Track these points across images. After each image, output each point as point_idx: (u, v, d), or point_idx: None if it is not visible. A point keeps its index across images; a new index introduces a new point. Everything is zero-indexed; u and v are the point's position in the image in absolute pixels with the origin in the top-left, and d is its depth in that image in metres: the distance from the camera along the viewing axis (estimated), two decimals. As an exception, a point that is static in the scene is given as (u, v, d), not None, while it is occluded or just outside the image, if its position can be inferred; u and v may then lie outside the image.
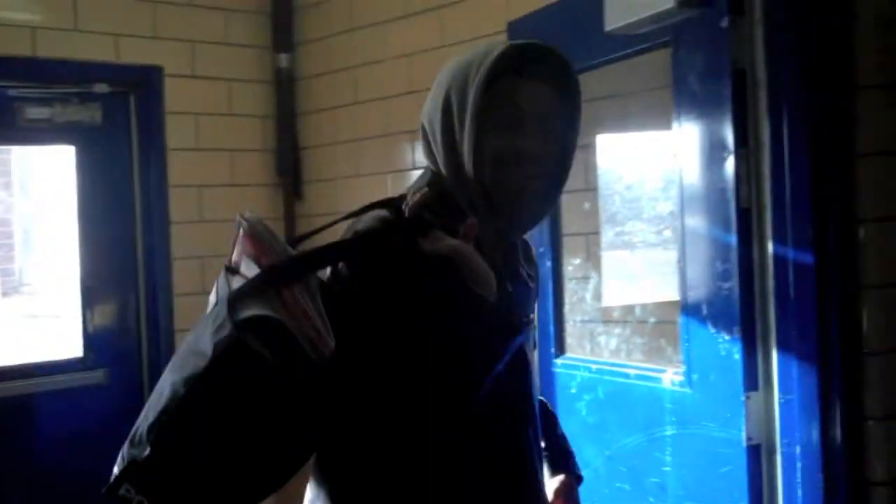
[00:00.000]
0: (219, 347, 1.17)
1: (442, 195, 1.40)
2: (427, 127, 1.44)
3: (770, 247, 2.15)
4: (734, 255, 2.19)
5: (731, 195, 2.20)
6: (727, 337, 2.20)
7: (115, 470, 1.21)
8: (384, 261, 1.32)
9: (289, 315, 1.20)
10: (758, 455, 2.17)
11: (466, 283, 1.29)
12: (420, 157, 3.47)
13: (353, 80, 3.75)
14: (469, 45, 3.22)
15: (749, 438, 2.16)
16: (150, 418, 1.19)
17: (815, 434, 2.09)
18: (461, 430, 1.36)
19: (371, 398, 1.31)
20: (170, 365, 1.25)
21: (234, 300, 1.21)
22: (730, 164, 2.20)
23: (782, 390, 2.14)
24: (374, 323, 1.30)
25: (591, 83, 2.86)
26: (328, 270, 1.35)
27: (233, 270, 1.31)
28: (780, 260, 2.14)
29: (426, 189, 1.39)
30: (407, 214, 1.36)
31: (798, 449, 2.11)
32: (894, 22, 2.11)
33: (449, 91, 1.39)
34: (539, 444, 1.52)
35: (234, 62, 3.94)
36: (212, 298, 1.30)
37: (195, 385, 1.17)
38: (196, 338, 1.23)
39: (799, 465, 2.11)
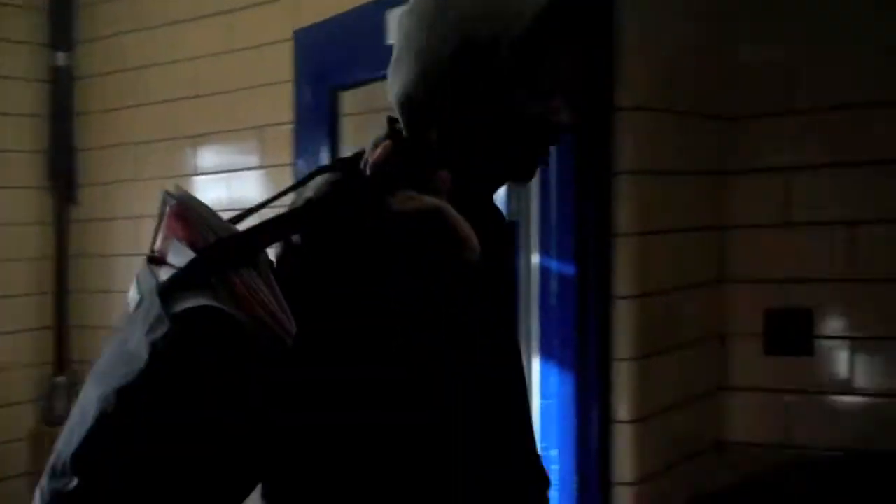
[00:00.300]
0: (156, 348, 0.97)
1: (406, 147, 1.19)
2: (425, 62, 1.18)
3: (535, 258, 2.25)
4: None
5: (500, 208, 2.28)
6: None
7: None
8: (348, 226, 1.12)
9: (239, 303, 1.00)
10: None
11: (447, 245, 1.11)
12: (204, 162, 3.41)
13: (138, 81, 3.63)
14: (257, 52, 3.22)
15: (509, 443, 2.24)
16: (75, 442, 0.98)
17: (571, 437, 2.19)
18: (452, 420, 1.14)
19: (345, 386, 1.10)
20: (91, 378, 1.05)
21: (167, 291, 1.01)
22: (500, 178, 2.28)
23: (543, 395, 2.23)
24: (342, 300, 1.10)
25: (377, 95, 2.91)
26: (277, 248, 1.15)
27: (157, 261, 1.09)
28: (544, 271, 2.23)
29: (388, 141, 1.17)
30: (368, 172, 1.16)
31: (555, 452, 2.21)
32: (651, 48, 2.27)
33: (471, 33, 1.15)
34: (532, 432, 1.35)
35: (4, 58, 3.73)
36: (132, 296, 1.09)
37: (129, 396, 0.96)
38: (123, 341, 1.03)
39: (556, 467, 2.21)
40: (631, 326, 2.24)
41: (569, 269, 2.19)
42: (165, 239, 1.09)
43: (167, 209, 1.09)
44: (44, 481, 1.00)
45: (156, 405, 0.97)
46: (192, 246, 1.05)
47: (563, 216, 2.20)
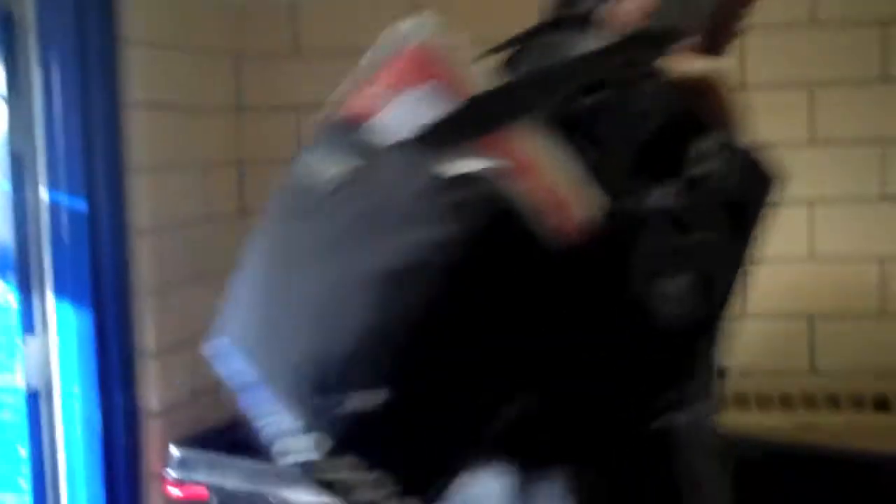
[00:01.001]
0: (481, 215, 0.75)
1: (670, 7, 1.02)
2: None
3: (44, 194, 2.17)
4: (7, 202, 2.16)
5: (2, 141, 2.17)
6: (2, 284, 2.18)
7: (299, 442, 0.78)
8: (655, 87, 0.92)
9: (517, 173, 0.78)
10: (37, 400, 2.19)
11: (723, 123, 0.96)
12: None
13: None
14: None
15: (28, 385, 2.16)
16: (349, 344, 0.75)
17: (92, 374, 2.17)
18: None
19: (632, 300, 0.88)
20: (290, 260, 0.82)
21: (426, 146, 0.77)
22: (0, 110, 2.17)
23: (60, 334, 2.18)
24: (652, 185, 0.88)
25: None
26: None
27: (355, 121, 0.84)
28: (54, 207, 2.17)
29: None
30: (623, 29, 0.97)
31: (76, 389, 2.18)
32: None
33: None
34: None
35: None
36: (322, 168, 0.84)
37: (437, 276, 0.75)
38: (381, 201, 0.78)
39: (78, 405, 2.18)
40: (150, 260, 2.26)
41: (80, 204, 2.15)
42: (390, 88, 0.84)
43: (401, 48, 0.85)
44: (289, 404, 0.78)
45: (480, 289, 0.77)
46: (448, 94, 0.81)
47: (71, 149, 2.14)
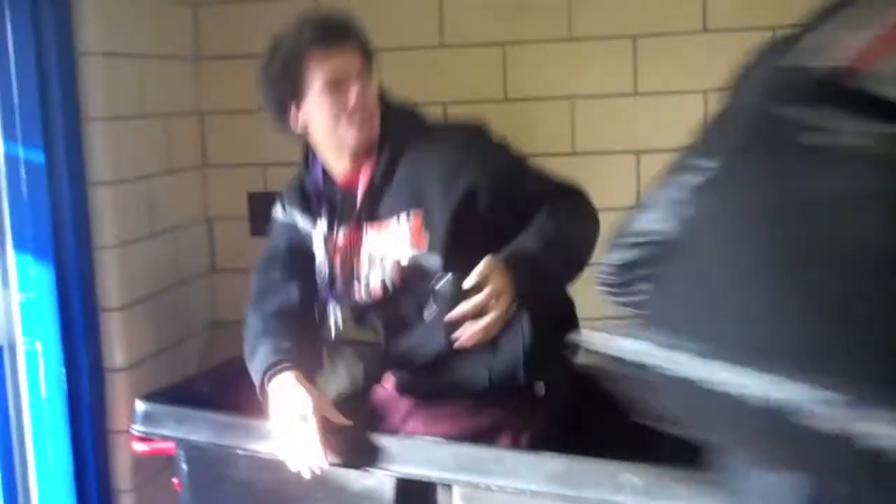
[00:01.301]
0: None
1: None
2: None
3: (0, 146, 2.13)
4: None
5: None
6: (-40, 239, 2.14)
7: None
8: None
9: None
10: (0, 356, 2.16)
11: None
12: None
13: None
14: None
15: (-9, 340, 2.14)
16: None
17: (55, 329, 2.15)
18: None
19: None
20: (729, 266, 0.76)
21: None
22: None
23: (22, 289, 2.15)
24: None
25: None
26: None
27: (844, 77, 0.74)
28: (10, 159, 2.12)
29: None
30: None
31: (39, 345, 2.15)
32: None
33: None
34: None
35: None
36: (824, 124, 0.73)
37: None
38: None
39: (41, 361, 2.15)
40: (110, 213, 2.23)
41: (37, 156, 2.10)
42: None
43: None
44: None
45: None
46: None
47: (26, 100, 2.09)
